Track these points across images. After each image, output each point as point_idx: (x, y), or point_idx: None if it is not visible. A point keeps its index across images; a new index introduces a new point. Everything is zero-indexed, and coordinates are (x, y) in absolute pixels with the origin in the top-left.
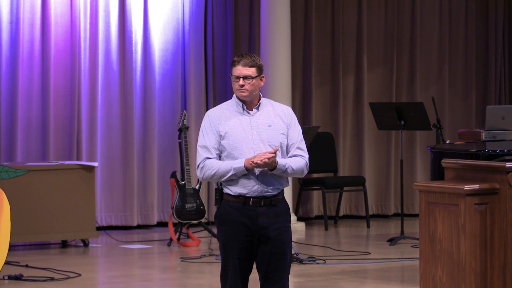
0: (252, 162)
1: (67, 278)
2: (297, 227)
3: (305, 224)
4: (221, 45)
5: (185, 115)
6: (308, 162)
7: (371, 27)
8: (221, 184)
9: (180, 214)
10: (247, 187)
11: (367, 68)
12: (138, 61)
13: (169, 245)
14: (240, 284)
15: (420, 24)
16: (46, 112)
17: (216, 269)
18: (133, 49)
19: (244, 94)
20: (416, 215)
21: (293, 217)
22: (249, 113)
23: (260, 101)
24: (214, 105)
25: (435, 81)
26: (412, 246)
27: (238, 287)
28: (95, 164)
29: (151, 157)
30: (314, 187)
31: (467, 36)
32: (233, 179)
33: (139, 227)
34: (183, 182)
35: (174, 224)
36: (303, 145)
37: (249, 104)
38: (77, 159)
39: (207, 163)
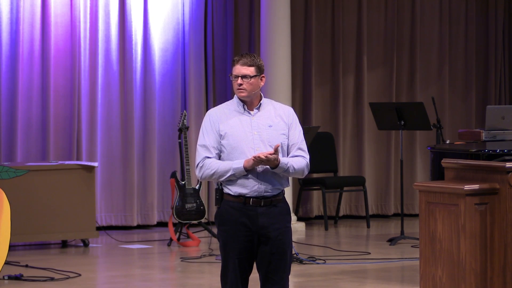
0: (254, 156)
1: (67, 278)
2: (297, 227)
3: (305, 224)
4: (221, 45)
5: (185, 115)
6: (309, 162)
7: (371, 27)
8: (221, 184)
9: (180, 214)
10: (247, 187)
11: (367, 68)
12: (138, 61)
13: (169, 245)
14: (240, 284)
15: (420, 24)
16: (46, 112)
17: (216, 269)
18: (133, 49)
19: (243, 94)
20: (416, 215)
21: (293, 217)
22: (249, 113)
23: (261, 101)
24: (214, 105)
25: (435, 81)
26: (412, 246)
27: (238, 287)
28: (95, 164)
29: (151, 157)
30: (314, 187)
31: (467, 36)
32: (233, 179)
33: (139, 227)
34: (183, 182)
35: (174, 224)
36: (304, 145)
37: (250, 104)
38: (77, 159)
39: (207, 162)
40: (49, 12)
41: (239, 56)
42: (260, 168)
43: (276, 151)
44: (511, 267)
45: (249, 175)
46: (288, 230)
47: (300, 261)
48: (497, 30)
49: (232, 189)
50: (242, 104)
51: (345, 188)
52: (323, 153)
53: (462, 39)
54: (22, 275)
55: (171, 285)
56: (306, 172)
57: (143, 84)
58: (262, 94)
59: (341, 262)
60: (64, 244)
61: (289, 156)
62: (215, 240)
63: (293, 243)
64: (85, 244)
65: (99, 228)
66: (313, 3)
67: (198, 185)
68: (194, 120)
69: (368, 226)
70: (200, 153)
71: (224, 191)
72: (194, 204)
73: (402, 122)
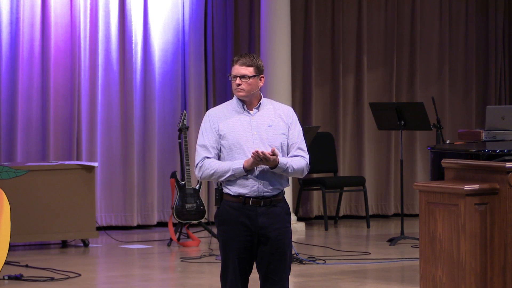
0: (252, 152)
1: (67, 278)
2: (297, 227)
3: (305, 224)
4: (221, 45)
5: (185, 115)
6: (308, 162)
7: (371, 27)
8: (221, 184)
9: (180, 214)
10: (247, 187)
11: (367, 68)
12: (138, 61)
13: (169, 245)
14: (240, 284)
15: (420, 24)
16: (46, 112)
17: (216, 269)
18: (133, 49)
19: (241, 93)
20: (416, 215)
21: (293, 217)
22: (249, 113)
23: (261, 101)
24: (214, 105)
25: (435, 81)
26: (412, 246)
27: (238, 287)
28: (95, 164)
29: (151, 157)
30: (314, 187)
31: (467, 36)
32: (233, 179)
33: (139, 227)
34: (183, 182)
35: (174, 224)
36: (303, 145)
37: (249, 104)
38: (77, 159)
39: (206, 162)
40: (49, 12)
41: (238, 56)
42: (259, 168)
43: (274, 153)
44: (511, 267)
45: (249, 175)
46: (288, 231)
47: (300, 261)
48: (497, 30)
49: (232, 189)
50: (241, 104)
51: (345, 188)
52: (323, 153)
53: (462, 39)
54: (22, 275)
55: (171, 285)
56: (305, 172)
57: (143, 84)
58: (261, 94)
59: (341, 262)
60: (64, 244)
61: (288, 155)
62: (215, 240)
63: (293, 243)
64: (85, 244)
65: (99, 228)
66: (313, 3)
67: (198, 185)
68: (194, 120)
69: (368, 226)
70: (199, 153)
71: (223, 191)
72: (194, 204)
73: (402, 122)
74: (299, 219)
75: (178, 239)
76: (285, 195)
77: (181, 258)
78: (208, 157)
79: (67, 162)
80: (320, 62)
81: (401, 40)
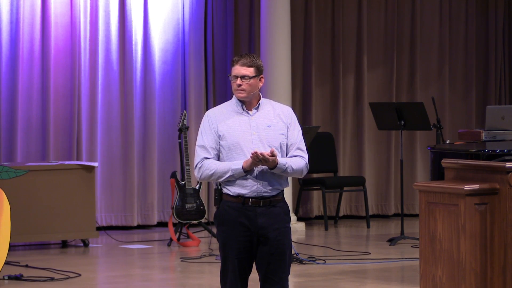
0: (252, 153)
1: (67, 278)
2: (297, 227)
3: (305, 224)
4: (221, 45)
5: (185, 115)
6: (307, 162)
7: (371, 27)
8: (220, 184)
9: (180, 214)
10: (247, 187)
11: (367, 68)
12: (138, 61)
13: (169, 245)
14: (240, 284)
15: (420, 24)
16: (46, 112)
17: (216, 269)
18: (133, 49)
19: (242, 94)
20: (416, 215)
21: (293, 217)
22: (248, 113)
23: (260, 101)
24: (214, 105)
25: (435, 81)
26: (412, 246)
27: (238, 287)
28: (95, 164)
29: (151, 157)
30: (314, 187)
31: (467, 36)
32: (232, 180)
33: (139, 227)
34: (183, 182)
35: (174, 224)
36: (303, 145)
37: (249, 104)
38: (77, 159)
39: (205, 163)
40: (49, 12)
41: (238, 56)
42: (258, 168)
43: (273, 154)
44: (511, 267)
45: (248, 176)
46: (287, 231)
47: (300, 261)
48: (497, 30)
49: (231, 190)
50: (241, 104)
51: (345, 188)
52: (323, 153)
53: (462, 39)
54: (22, 275)
55: (171, 285)
56: (305, 172)
57: (143, 84)
58: (261, 94)
59: (341, 262)
60: (64, 244)
61: (287, 156)
62: (215, 240)
63: (293, 243)
64: (85, 244)
65: (99, 228)
66: (313, 3)
67: (198, 185)
68: (194, 120)
69: (368, 226)
70: (198, 154)
71: (223, 192)
72: (194, 204)
73: (402, 122)
74: (299, 219)
75: (178, 239)
76: (285, 195)
77: (181, 258)
78: (207, 158)
79: (67, 162)
80: (320, 62)
81: (401, 40)
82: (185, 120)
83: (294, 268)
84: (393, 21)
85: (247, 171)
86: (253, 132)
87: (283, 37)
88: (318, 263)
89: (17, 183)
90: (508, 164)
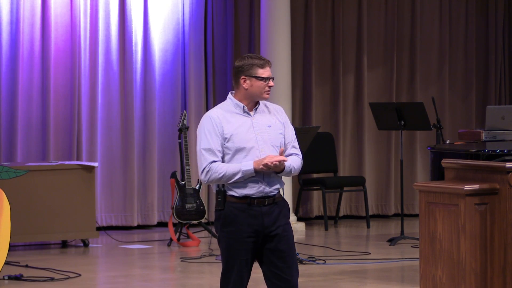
0: (262, 164)
1: (67, 278)
2: (297, 227)
3: (305, 224)
4: (221, 45)
5: (185, 115)
6: (302, 159)
7: (371, 27)
8: (223, 186)
9: (180, 214)
10: (253, 188)
11: (367, 68)
12: (138, 61)
13: (169, 245)
14: (243, 285)
15: (420, 24)
16: (46, 112)
17: (216, 269)
18: (133, 49)
19: (269, 96)
20: (416, 215)
21: (293, 217)
22: (249, 114)
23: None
24: (214, 105)
25: (435, 81)
26: (412, 246)
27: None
28: (95, 164)
29: (151, 157)
30: (314, 187)
31: (467, 36)
32: (239, 181)
33: (139, 227)
34: (183, 182)
35: (174, 224)
36: (296, 143)
37: (251, 105)
38: (77, 159)
39: (213, 166)
40: (49, 12)
41: (259, 58)
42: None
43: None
44: (511, 267)
45: (255, 177)
46: (290, 227)
47: (300, 261)
48: (497, 30)
49: (237, 191)
50: (242, 105)
51: (345, 188)
52: (323, 153)
53: (462, 39)
54: (22, 275)
55: (171, 285)
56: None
57: (143, 84)
58: None
59: (341, 262)
60: (64, 244)
61: (285, 154)
62: (215, 240)
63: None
64: (85, 244)
65: (99, 228)
66: (313, 3)
67: (198, 185)
68: (194, 120)
69: (368, 226)
70: (206, 157)
71: (227, 193)
72: (194, 204)
73: (402, 122)
74: (299, 219)
75: (178, 239)
76: (285, 195)
77: (181, 258)
78: (215, 161)
79: (67, 162)
80: (320, 62)
81: (401, 40)
82: (185, 120)
83: None
84: (393, 21)
85: (257, 172)
86: (257, 133)
87: (283, 37)
88: (318, 263)
89: (17, 183)
90: (508, 164)
